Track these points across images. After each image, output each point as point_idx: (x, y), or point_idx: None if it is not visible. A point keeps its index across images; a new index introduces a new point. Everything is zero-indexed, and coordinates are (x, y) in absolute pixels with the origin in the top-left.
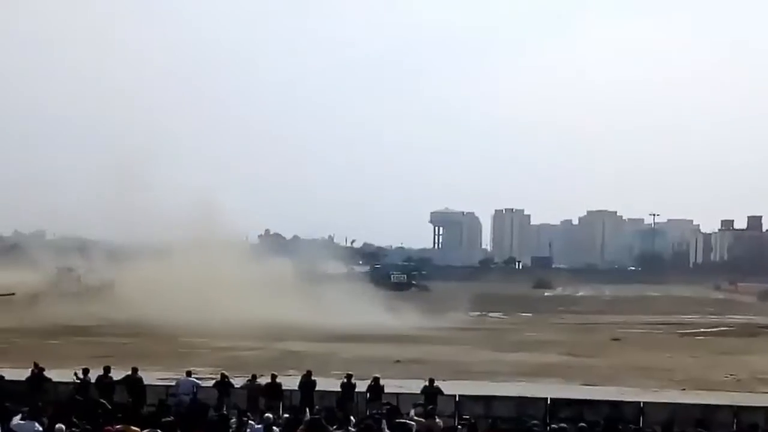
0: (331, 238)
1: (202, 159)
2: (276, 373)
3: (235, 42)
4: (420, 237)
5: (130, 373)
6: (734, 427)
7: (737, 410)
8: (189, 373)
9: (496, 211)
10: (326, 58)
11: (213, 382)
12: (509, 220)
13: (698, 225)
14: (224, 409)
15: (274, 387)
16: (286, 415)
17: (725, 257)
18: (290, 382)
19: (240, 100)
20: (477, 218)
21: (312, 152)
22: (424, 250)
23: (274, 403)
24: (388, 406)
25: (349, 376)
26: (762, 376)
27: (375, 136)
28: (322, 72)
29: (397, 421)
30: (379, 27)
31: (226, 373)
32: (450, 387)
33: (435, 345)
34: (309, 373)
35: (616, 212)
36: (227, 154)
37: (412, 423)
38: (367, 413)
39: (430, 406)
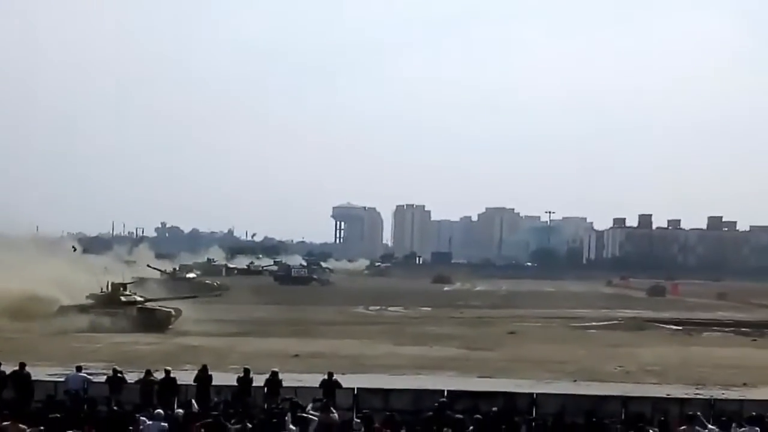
0: (230, 231)
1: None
2: (170, 368)
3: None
4: (322, 232)
5: (17, 368)
6: (622, 416)
7: (625, 400)
8: (79, 368)
9: (397, 206)
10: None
11: (105, 377)
12: (410, 215)
13: (592, 223)
14: (116, 405)
15: (168, 382)
16: (181, 411)
17: (617, 254)
18: (186, 377)
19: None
20: (378, 213)
21: (215, 147)
22: (325, 244)
23: (169, 399)
24: (291, 400)
25: (246, 371)
26: (649, 367)
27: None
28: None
29: (299, 414)
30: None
31: (119, 368)
32: (349, 380)
33: (334, 339)
34: (205, 368)
35: (513, 209)
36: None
37: (314, 417)
38: (265, 407)
39: (326, 400)
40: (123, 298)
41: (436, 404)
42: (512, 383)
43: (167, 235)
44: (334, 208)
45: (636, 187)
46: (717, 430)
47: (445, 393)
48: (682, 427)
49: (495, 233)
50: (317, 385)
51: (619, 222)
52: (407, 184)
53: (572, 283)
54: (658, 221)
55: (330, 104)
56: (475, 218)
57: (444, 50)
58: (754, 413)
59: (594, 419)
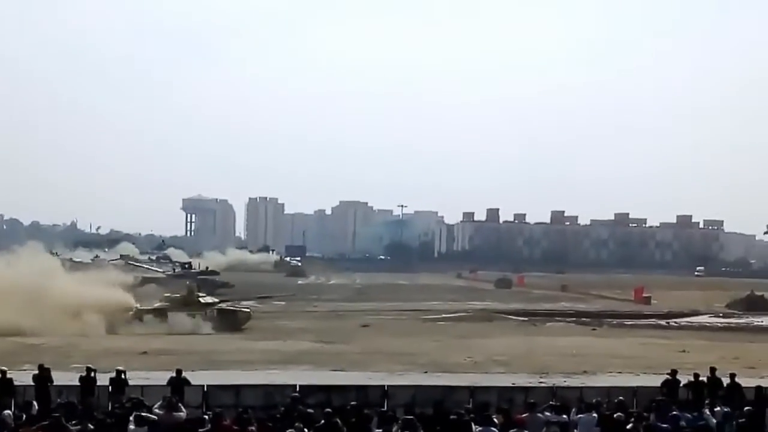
0: (74, 224)
1: None
2: (5, 368)
3: None
4: (172, 224)
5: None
6: (470, 404)
7: (473, 390)
8: None
9: (250, 199)
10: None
11: None
12: (263, 208)
13: (442, 216)
14: None
15: (4, 382)
16: (8, 412)
17: (467, 247)
18: (25, 377)
19: None
20: (231, 206)
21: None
22: (175, 237)
23: (5, 400)
24: (135, 400)
25: (89, 369)
26: (496, 357)
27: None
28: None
29: (138, 414)
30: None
31: None
32: (198, 377)
33: (184, 335)
34: (43, 367)
35: (367, 203)
36: None
37: (153, 417)
38: (110, 407)
39: (171, 398)
40: (201, 300)
41: (288, 399)
42: (365, 376)
43: (5, 227)
44: (184, 200)
45: (484, 182)
46: (554, 416)
47: (297, 387)
48: (524, 414)
49: (349, 227)
50: (165, 383)
51: (469, 216)
52: (261, 177)
53: (424, 275)
54: (505, 215)
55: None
56: (329, 212)
57: (272, 46)
58: (593, 400)
59: (442, 409)
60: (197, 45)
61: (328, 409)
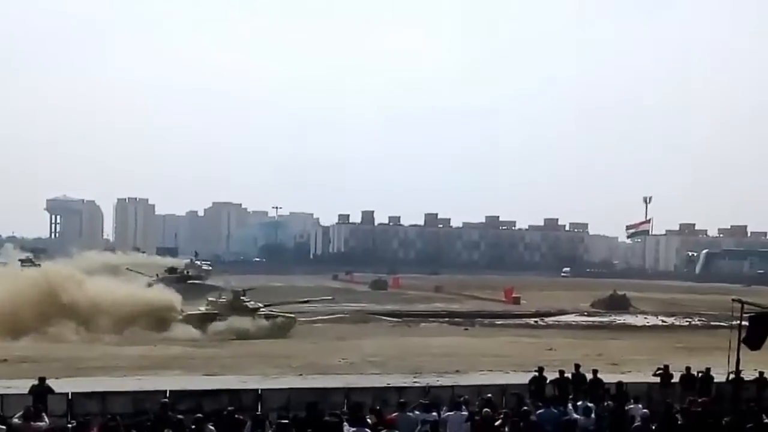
0: None
1: None
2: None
3: None
4: (35, 225)
5: None
6: (345, 407)
7: (348, 391)
8: None
9: (118, 200)
10: None
11: None
12: (133, 209)
13: (318, 218)
14: None
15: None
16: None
17: (342, 249)
18: None
19: None
20: (98, 207)
21: None
22: (39, 239)
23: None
24: None
25: None
26: (371, 358)
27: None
28: None
29: None
30: None
31: None
32: (63, 385)
33: (46, 342)
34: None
35: (240, 204)
36: None
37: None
38: None
39: (32, 407)
40: (250, 305)
41: (158, 405)
42: (238, 380)
43: None
44: (48, 200)
45: (358, 184)
46: (423, 414)
47: (168, 393)
48: (394, 414)
49: (222, 228)
50: (27, 392)
51: (344, 218)
52: (131, 178)
53: (300, 277)
54: (380, 217)
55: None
56: (201, 213)
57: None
58: (460, 398)
59: (316, 411)
60: (65, 42)
61: (200, 415)
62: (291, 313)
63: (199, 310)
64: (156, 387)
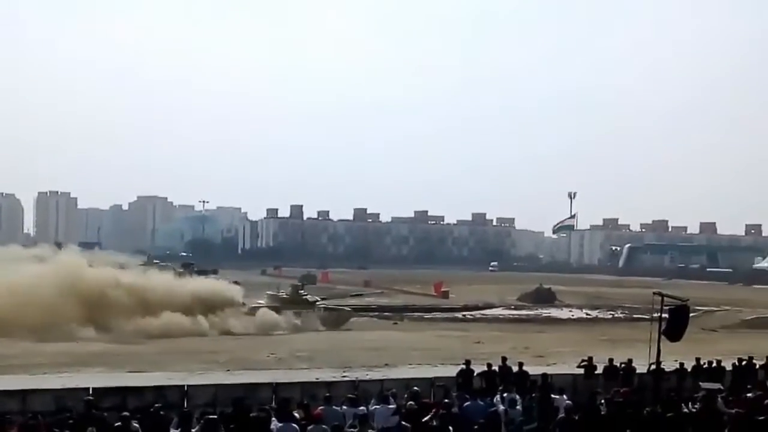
0: None
1: None
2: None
3: None
4: None
5: None
6: (273, 402)
7: (276, 386)
8: None
9: (39, 193)
10: None
11: None
12: (54, 203)
13: (246, 213)
14: None
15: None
16: None
17: (271, 243)
18: None
19: None
20: (18, 200)
21: None
22: None
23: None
24: None
25: None
26: (300, 353)
27: None
28: None
29: None
30: None
31: None
32: None
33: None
34: None
35: (166, 198)
36: None
37: None
38: None
39: None
40: (309, 298)
41: (81, 403)
42: (164, 376)
43: None
44: None
45: (287, 177)
46: (350, 408)
47: (91, 390)
48: (321, 408)
49: (148, 222)
50: None
51: (273, 212)
52: (53, 171)
53: (228, 272)
54: (309, 212)
55: None
56: (126, 207)
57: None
58: (387, 392)
59: (242, 407)
60: None
61: (125, 413)
62: (348, 306)
63: (259, 303)
64: (78, 384)
